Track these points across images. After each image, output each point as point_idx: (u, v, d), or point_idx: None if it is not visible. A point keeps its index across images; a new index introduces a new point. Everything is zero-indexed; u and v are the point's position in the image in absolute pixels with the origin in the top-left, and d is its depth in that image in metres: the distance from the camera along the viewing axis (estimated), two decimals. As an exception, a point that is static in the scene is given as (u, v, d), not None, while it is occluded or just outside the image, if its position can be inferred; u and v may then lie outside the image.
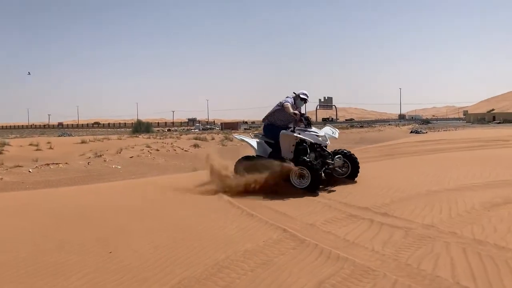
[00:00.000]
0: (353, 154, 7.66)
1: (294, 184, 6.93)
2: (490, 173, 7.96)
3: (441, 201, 5.70)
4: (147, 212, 6.08)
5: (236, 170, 7.51)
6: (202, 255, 4.00)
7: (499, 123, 71.38)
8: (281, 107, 7.51)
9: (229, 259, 3.85)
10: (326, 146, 7.52)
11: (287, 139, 7.32)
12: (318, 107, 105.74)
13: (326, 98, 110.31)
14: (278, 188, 6.83)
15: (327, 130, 7.73)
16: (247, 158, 7.67)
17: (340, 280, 3.29)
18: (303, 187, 6.84)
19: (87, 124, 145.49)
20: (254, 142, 7.77)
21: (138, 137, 31.48)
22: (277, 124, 7.62)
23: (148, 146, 22.70)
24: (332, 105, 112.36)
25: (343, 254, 3.84)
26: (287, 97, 7.64)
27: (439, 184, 7.00)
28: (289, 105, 7.36)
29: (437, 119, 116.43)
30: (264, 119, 7.95)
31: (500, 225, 4.48)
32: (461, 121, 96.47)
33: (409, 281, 3.19)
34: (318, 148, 7.38)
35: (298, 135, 7.19)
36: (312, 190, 6.75)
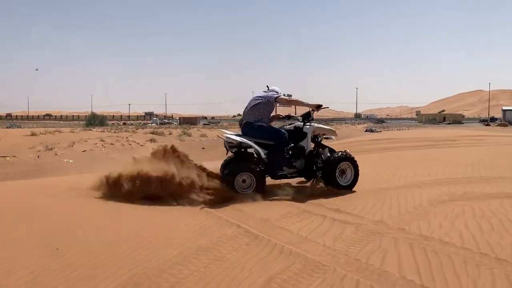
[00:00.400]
0: None
1: (339, 183, 6.43)
2: (438, 171, 8.31)
3: (391, 198, 5.89)
4: (98, 208, 5.88)
5: (230, 181, 6.16)
6: (154, 251, 3.92)
7: (449, 123, 74.82)
8: (271, 101, 6.77)
9: (182, 255, 3.80)
10: None
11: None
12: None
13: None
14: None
15: None
16: (243, 162, 6.46)
17: (291, 275, 3.32)
18: (345, 184, 6.47)
19: (38, 116, 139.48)
20: (252, 143, 6.39)
21: (91, 130, 30.58)
22: (266, 121, 6.72)
23: (102, 140, 22.12)
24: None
25: (295, 249, 3.88)
26: (270, 91, 6.94)
27: (389, 182, 7.24)
28: (288, 97, 7.00)
29: (391, 119, 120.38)
30: (248, 116, 6.69)
31: (445, 222, 4.68)
32: (413, 121, 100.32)
33: (357, 276, 3.27)
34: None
35: (324, 127, 6.79)
36: (352, 187, 6.50)
